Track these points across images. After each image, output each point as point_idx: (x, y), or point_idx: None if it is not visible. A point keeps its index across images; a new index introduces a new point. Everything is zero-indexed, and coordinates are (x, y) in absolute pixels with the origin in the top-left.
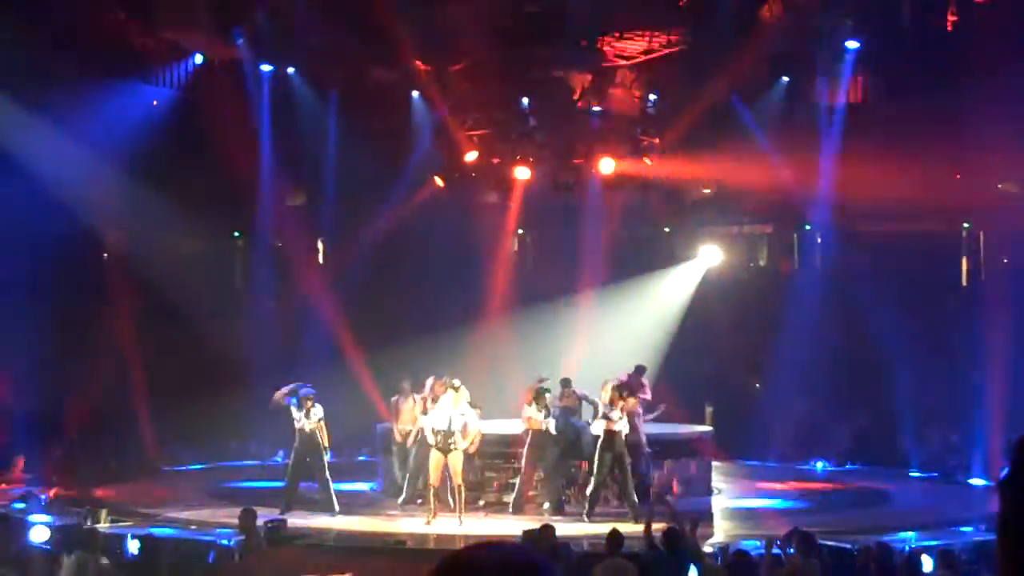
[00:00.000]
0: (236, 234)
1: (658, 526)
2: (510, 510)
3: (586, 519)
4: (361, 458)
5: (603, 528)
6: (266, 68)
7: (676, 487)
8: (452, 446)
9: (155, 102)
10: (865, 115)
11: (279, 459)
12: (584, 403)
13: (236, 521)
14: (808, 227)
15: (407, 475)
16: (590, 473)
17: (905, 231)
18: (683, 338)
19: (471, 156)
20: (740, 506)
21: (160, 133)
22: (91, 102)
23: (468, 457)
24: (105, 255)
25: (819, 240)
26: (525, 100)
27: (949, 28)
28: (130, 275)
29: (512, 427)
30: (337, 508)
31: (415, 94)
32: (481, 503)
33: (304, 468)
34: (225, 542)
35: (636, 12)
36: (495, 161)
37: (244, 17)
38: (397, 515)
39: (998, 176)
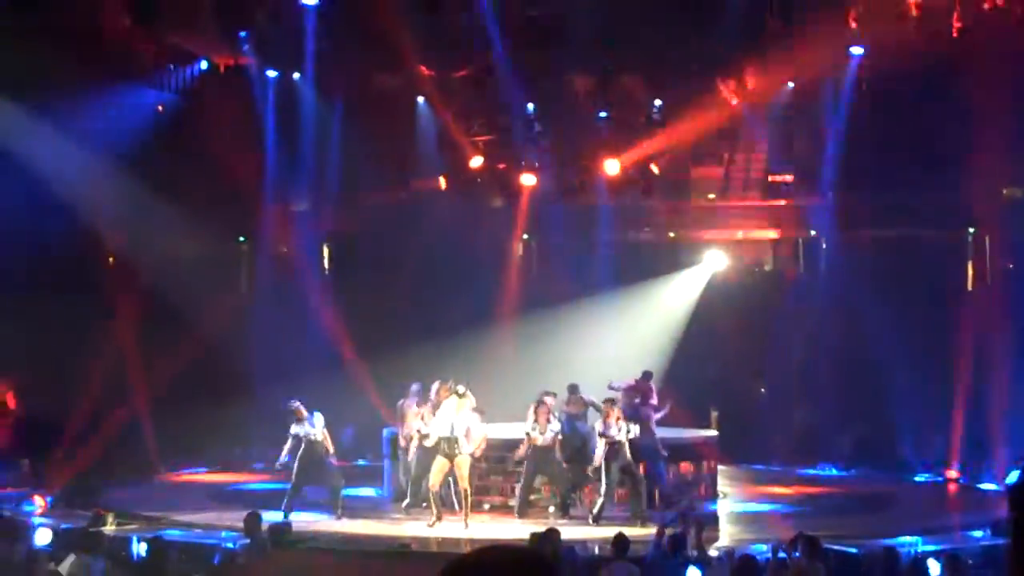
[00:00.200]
0: (241, 239)
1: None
2: (515, 513)
3: (592, 522)
4: (361, 463)
5: (609, 532)
6: (271, 73)
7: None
8: (458, 451)
9: (160, 107)
10: (869, 119)
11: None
12: (591, 409)
13: (240, 524)
14: (813, 232)
15: (410, 479)
16: (596, 479)
17: (909, 236)
18: (688, 343)
19: (476, 162)
20: (745, 510)
21: (164, 138)
22: (95, 106)
23: (474, 461)
24: (111, 259)
25: (824, 245)
26: (531, 105)
27: (954, 34)
28: (133, 279)
29: (514, 432)
30: (342, 512)
31: (420, 99)
32: (486, 507)
33: (309, 473)
34: (230, 545)
35: (639, 17)
36: (501, 167)
37: (250, 22)
38: (401, 519)
39: (1003, 181)
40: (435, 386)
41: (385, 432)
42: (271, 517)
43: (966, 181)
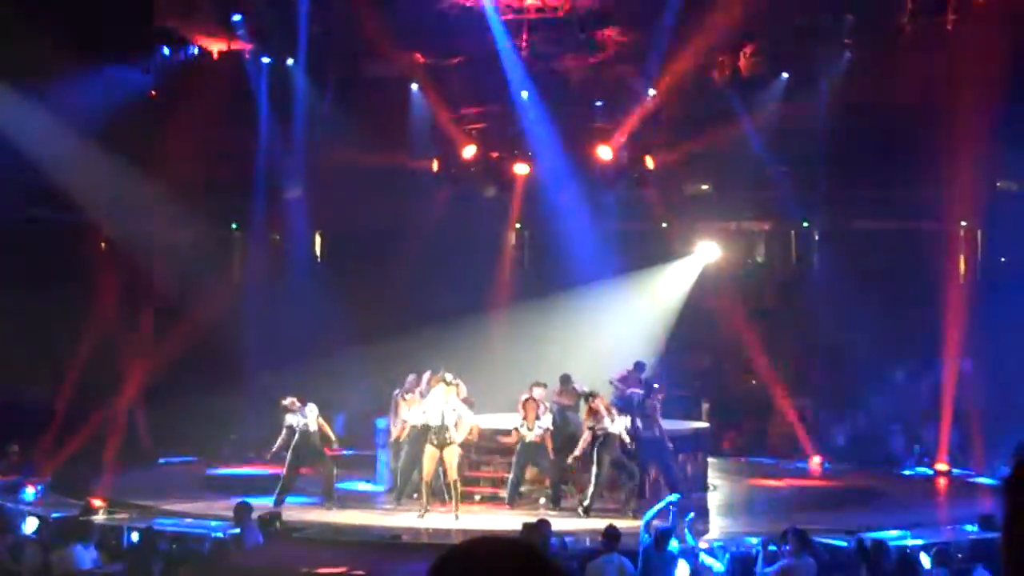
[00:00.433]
0: (233, 226)
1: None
2: (507, 504)
3: (582, 514)
4: (347, 452)
5: (601, 524)
6: (265, 59)
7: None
8: (447, 440)
9: (153, 92)
10: (861, 113)
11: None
12: (583, 400)
13: (231, 514)
14: (806, 224)
15: (399, 470)
16: (585, 471)
17: (902, 229)
18: (680, 334)
19: (469, 151)
20: (736, 503)
21: (157, 123)
22: (86, 90)
23: (463, 451)
24: (102, 245)
25: (816, 237)
26: (525, 94)
27: (949, 27)
28: (124, 265)
29: (506, 422)
30: (334, 502)
31: (414, 87)
32: (477, 497)
33: (303, 463)
34: (220, 535)
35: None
36: (494, 156)
37: (244, 7)
38: (392, 509)
39: (997, 174)
40: (427, 376)
41: (380, 423)
42: (262, 506)
43: (959, 174)
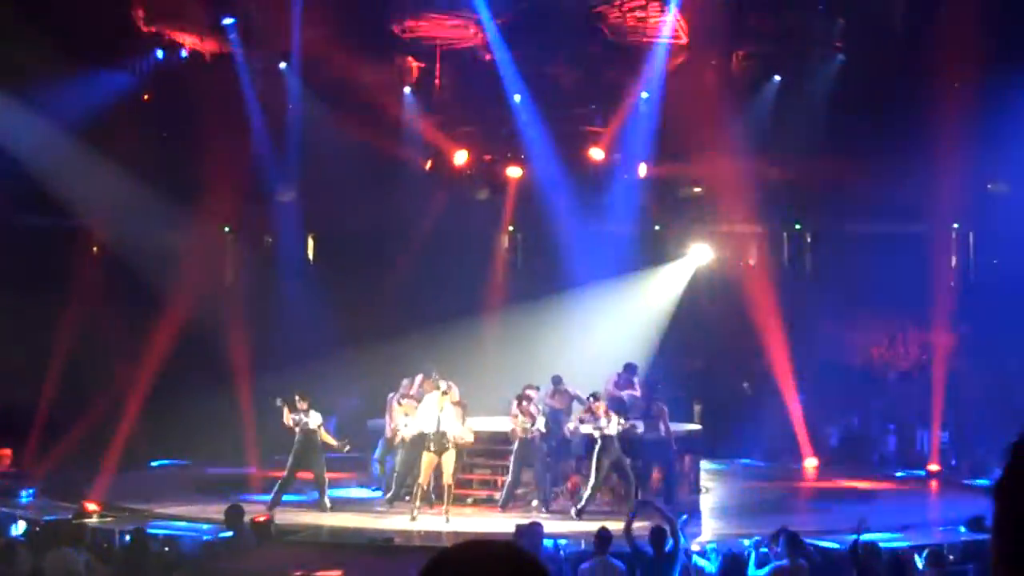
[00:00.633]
0: (226, 228)
1: (640, 525)
2: (499, 507)
3: (575, 516)
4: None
5: (593, 526)
6: (258, 62)
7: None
8: (446, 446)
9: (146, 96)
10: (854, 114)
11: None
12: (575, 402)
13: (223, 517)
14: (798, 226)
15: (395, 472)
16: (578, 472)
17: (895, 231)
18: (672, 336)
19: (461, 157)
20: (728, 505)
21: (148, 126)
22: (77, 93)
23: (458, 455)
24: (94, 248)
25: (808, 239)
26: (517, 97)
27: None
28: (116, 269)
29: (499, 425)
30: (328, 505)
31: (407, 90)
32: (469, 500)
33: (302, 464)
34: (210, 537)
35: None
36: (487, 158)
37: (237, 10)
38: (384, 512)
39: (988, 176)
40: (418, 379)
41: (370, 424)
42: (257, 507)
43: (950, 176)
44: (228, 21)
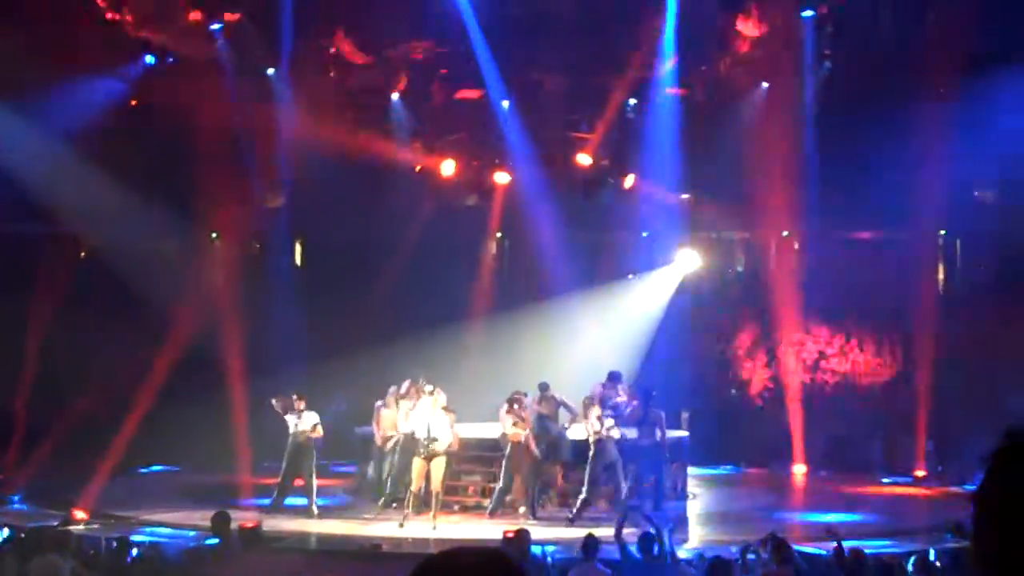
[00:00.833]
0: (213, 235)
1: (628, 531)
2: (487, 513)
3: (569, 523)
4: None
5: (581, 533)
6: (247, 68)
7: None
8: (434, 452)
9: (133, 101)
10: (842, 121)
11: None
12: (562, 408)
13: (209, 524)
14: (785, 233)
15: (387, 479)
16: (565, 479)
17: (881, 238)
18: (660, 343)
19: (448, 167)
20: (715, 511)
21: (135, 132)
22: (63, 100)
23: (447, 463)
24: (81, 254)
25: (796, 246)
26: (506, 104)
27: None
28: (103, 275)
29: (487, 431)
30: (316, 511)
31: (395, 96)
32: (456, 508)
33: (295, 467)
34: (196, 544)
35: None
36: (475, 164)
37: (223, 17)
38: (372, 519)
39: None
40: (405, 384)
41: (358, 431)
42: (246, 514)
43: (936, 182)
44: (216, 26)
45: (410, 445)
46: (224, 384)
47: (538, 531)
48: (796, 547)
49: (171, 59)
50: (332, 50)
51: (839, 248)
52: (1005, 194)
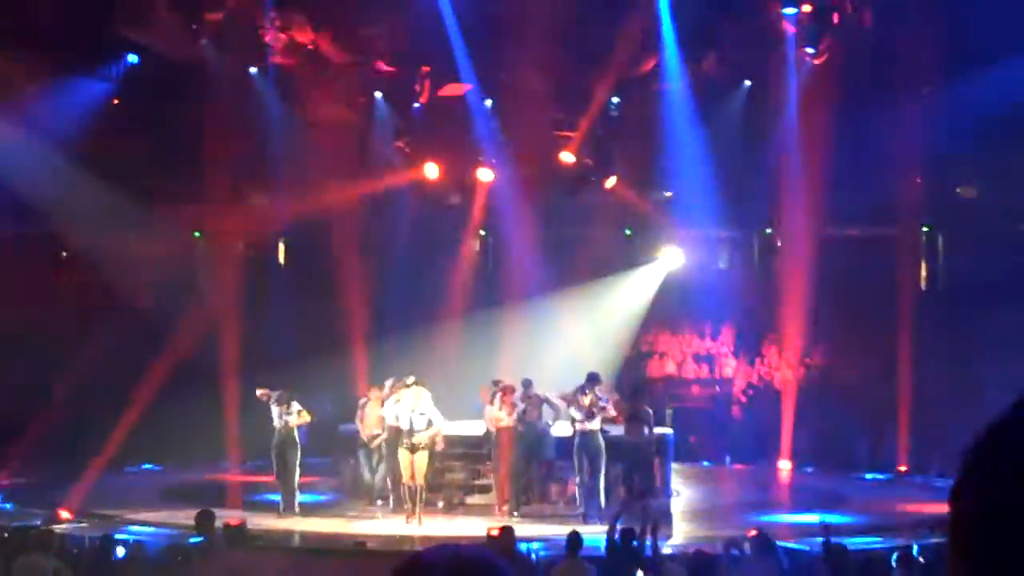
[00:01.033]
0: (196, 234)
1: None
2: (507, 510)
3: (592, 521)
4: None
5: (565, 529)
6: (229, 67)
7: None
8: (418, 445)
9: (116, 100)
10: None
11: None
12: (545, 405)
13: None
14: (768, 231)
15: (375, 476)
16: (549, 476)
17: (864, 235)
18: (644, 340)
19: (432, 171)
20: (699, 507)
21: (119, 132)
22: (46, 100)
23: (430, 457)
24: (63, 254)
25: (779, 244)
26: (489, 102)
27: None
28: (87, 274)
29: (471, 428)
30: (297, 510)
31: (378, 95)
32: (440, 504)
33: (284, 462)
34: (182, 543)
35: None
36: (458, 162)
37: (206, 16)
38: (356, 516)
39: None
40: (389, 382)
41: (341, 429)
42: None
43: (919, 179)
44: (196, 27)
45: (396, 440)
46: (210, 383)
47: (523, 528)
48: (780, 543)
49: (155, 58)
50: (311, 48)
51: (822, 245)
52: (987, 190)
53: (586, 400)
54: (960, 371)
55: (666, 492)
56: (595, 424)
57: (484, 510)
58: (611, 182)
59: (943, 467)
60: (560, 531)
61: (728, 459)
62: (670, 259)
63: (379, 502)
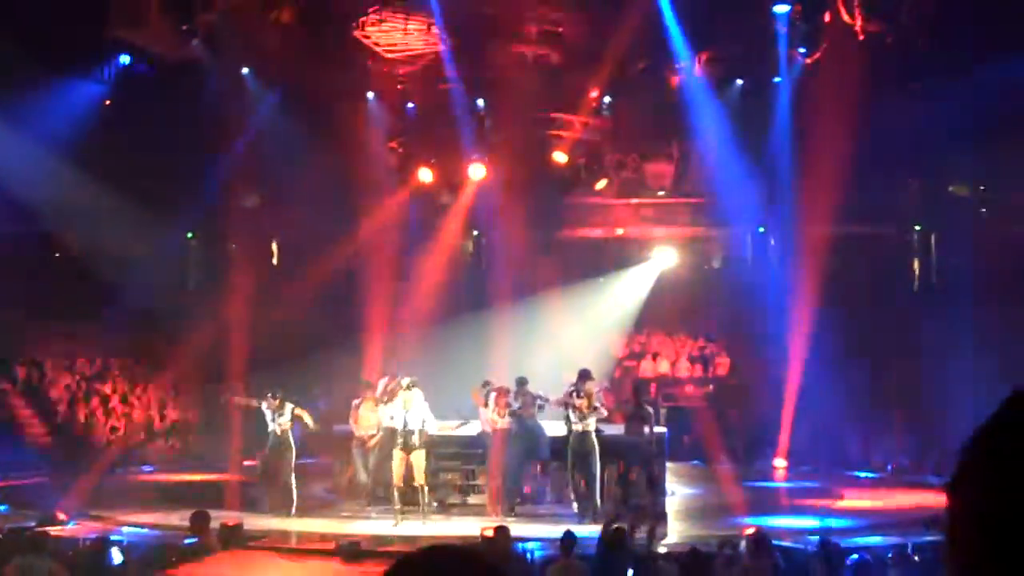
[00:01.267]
0: (189, 235)
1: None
2: (501, 510)
3: (586, 520)
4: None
5: (559, 529)
6: (221, 68)
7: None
8: (413, 445)
9: (108, 102)
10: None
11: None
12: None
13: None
14: (762, 229)
15: (369, 476)
16: (544, 476)
17: (857, 233)
18: (636, 340)
19: (426, 175)
20: (693, 506)
21: (112, 133)
22: (39, 101)
23: (427, 455)
24: (56, 254)
25: (772, 242)
26: (481, 102)
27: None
28: (81, 274)
29: (465, 428)
30: (294, 510)
31: (370, 95)
32: (434, 505)
33: (274, 468)
34: (177, 544)
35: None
36: (450, 162)
37: (199, 17)
38: (351, 516)
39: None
40: (382, 382)
41: (336, 429)
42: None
43: (912, 178)
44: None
45: (390, 440)
46: (200, 383)
47: (519, 528)
48: (776, 542)
49: (147, 59)
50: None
51: (815, 243)
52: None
53: (580, 401)
54: (953, 369)
55: (661, 491)
56: (590, 425)
57: (480, 510)
58: (601, 184)
59: (937, 464)
60: (555, 530)
61: (723, 458)
62: (662, 258)
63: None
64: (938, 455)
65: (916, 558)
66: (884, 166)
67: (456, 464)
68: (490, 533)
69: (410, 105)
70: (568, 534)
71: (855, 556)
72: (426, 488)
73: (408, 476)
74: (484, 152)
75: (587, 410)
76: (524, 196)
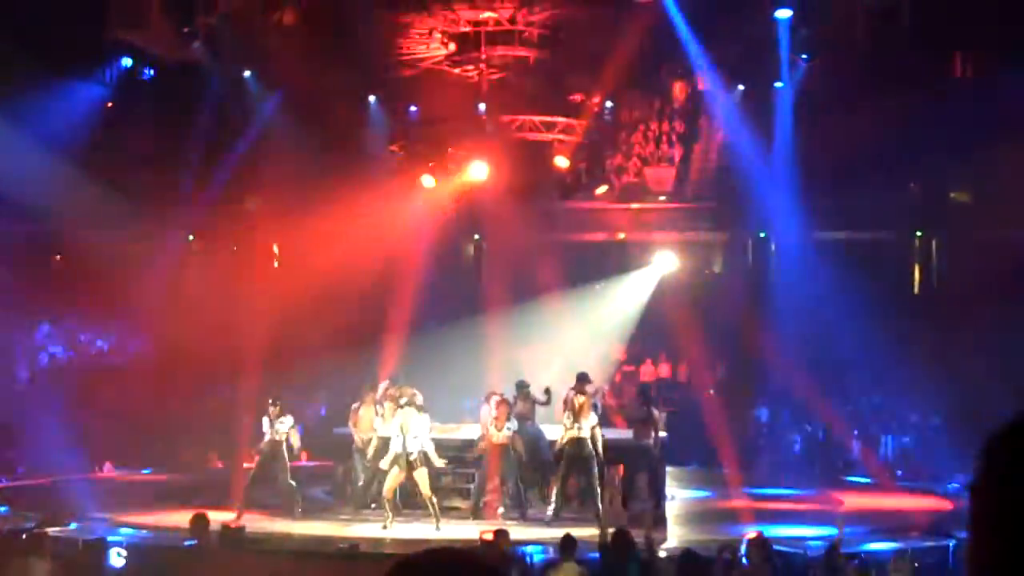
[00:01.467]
0: (190, 237)
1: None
2: (471, 516)
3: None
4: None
5: (559, 532)
6: (222, 71)
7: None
8: (416, 465)
9: (110, 104)
10: (817, 123)
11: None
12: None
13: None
14: (763, 234)
15: (364, 480)
16: (545, 481)
17: (858, 238)
18: (637, 344)
19: (428, 181)
20: (693, 511)
21: (113, 135)
22: (41, 103)
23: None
24: (57, 256)
25: (773, 247)
26: (482, 106)
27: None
28: (81, 275)
29: (464, 433)
30: (299, 510)
31: (371, 98)
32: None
33: (266, 473)
34: (177, 546)
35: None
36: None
37: (200, 19)
38: (351, 520)
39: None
40: (382, 386)
41: (336, 432)
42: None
43: (913, 184)
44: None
45: (385, 449)
46: (198, 386)
47: (519, 532)
48: (776, 547)
49: (147, 61)
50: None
51: (816, 249)
52: (981, 195)
53: (578, 403)
54: (952, 374)
55: (662, 495)
56: (584, 430)
57: (479, 513)
58: (602, 189)
59: (936, 468)
60: (554, 534)
61: (723, 462)
62: (663, 263)
63: (372, 505)
64: (938, 459)
65: (915, 562)
66: (886, 171)
67: (455, 468)
68: (489, 536)
69: (412, 108)
70: (567, 537)
71: (855, 561)
72: (434, 499)
73: (412, 492)
74: (485, 156)
75: (584, 414)
76: (525, 200)
